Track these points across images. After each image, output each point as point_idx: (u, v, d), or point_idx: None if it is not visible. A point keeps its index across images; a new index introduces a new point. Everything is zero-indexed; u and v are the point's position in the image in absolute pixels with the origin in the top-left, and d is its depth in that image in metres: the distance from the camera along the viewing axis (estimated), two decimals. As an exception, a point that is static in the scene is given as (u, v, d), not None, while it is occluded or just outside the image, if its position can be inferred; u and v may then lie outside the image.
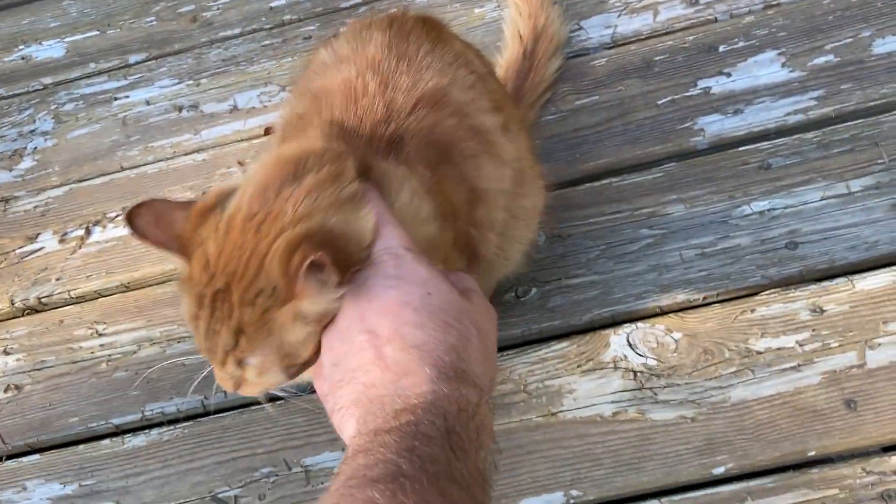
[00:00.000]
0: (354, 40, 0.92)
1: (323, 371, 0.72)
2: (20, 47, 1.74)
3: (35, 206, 1.53)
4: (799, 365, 1.14)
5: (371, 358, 0.67)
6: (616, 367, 1.19)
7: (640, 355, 1.19)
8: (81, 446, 1.29)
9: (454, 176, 0.87)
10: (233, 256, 0.69)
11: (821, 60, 1.36)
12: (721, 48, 1.40)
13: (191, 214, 0.72)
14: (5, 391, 1.35)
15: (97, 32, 1.72)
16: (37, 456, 1.29)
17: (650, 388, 1.16)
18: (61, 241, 1.48)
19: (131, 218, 0.72)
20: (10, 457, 1.30)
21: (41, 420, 1.32)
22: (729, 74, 1.38)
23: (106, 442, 1.28)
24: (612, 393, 1.17)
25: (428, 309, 0.67)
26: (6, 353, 1.38)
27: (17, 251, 1.48)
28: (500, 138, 0.95)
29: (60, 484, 1.26)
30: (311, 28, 1.61)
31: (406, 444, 0.60)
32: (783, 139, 1.31)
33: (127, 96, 1.61)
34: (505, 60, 1.39)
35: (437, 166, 0.85)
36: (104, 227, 1.47)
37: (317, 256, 0.64)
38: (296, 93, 0.99)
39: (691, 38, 1.43)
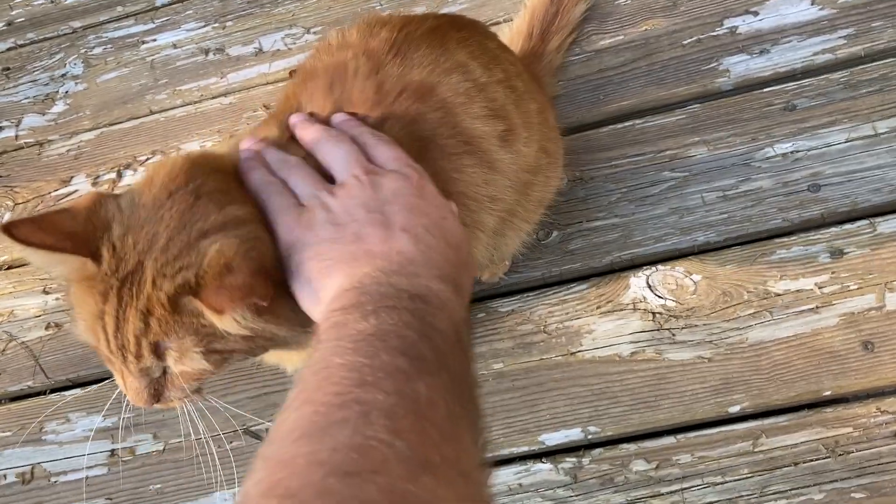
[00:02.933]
0: (364, 32, 0.93)
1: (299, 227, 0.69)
2: (48, -10, 1.75)
3: (68, 150, 1.56)
4: (817, 307, 1.15)
5: (380, 235, 0.65)
6: (635, 309, 1.21)
7: (659, 297, 1.20)
8: (120, 381, 1.35)
9: (428, 169, 0.87)
10: (148, 231, 0.67)
11: (852, -2, 1.33)
12: (749, -14, 1.38)
13: (78, 209, 0.68)
14: (46, 328, 1.41)
15: (123, -25, 1.73)
16: (78, 390, 1.36)
17: (668, 329, 1.18)
18: (94, 183, 1.52)
19: (9, 230, 0.64)
20: (53, 390, 1.37)
21: (81, 356, 1.38)
22: (756, 13, 1.36)
23: (143, 377, 1.34)
24: (630, 333, 1.19)
25: (440, 223, 0.69)
26: (46, 292, 1.44)
27: (53, 194, 1.53)
28: (493, 146, 0.94)
29: (101, 416, 1.32)
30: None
31: (424, 330, 0.58)
32: (809, 80, 1.29)
33: (154, 39, 1.63)
34: (530, 6, 1.38)
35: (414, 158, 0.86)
36: (135, 170, 1.51)
37: (262, 301, 0.63)
38: (300, 70, 0.98)
39: (719, -25, 1.40)
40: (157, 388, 0.73)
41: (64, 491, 1.28)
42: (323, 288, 0.65)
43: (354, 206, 0.68)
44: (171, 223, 0.67)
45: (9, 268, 1.49)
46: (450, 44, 0.93)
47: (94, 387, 1.35)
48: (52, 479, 1.29)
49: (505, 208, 0.99)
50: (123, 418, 1.31)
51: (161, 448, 1.28)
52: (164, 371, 0.72)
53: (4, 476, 1.31)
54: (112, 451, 1.30)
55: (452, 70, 0.90)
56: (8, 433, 1.34)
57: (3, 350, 1.40)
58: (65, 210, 0.68)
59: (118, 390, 0.78)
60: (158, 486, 1.26)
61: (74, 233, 0.66)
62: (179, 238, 0.66)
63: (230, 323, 0.65)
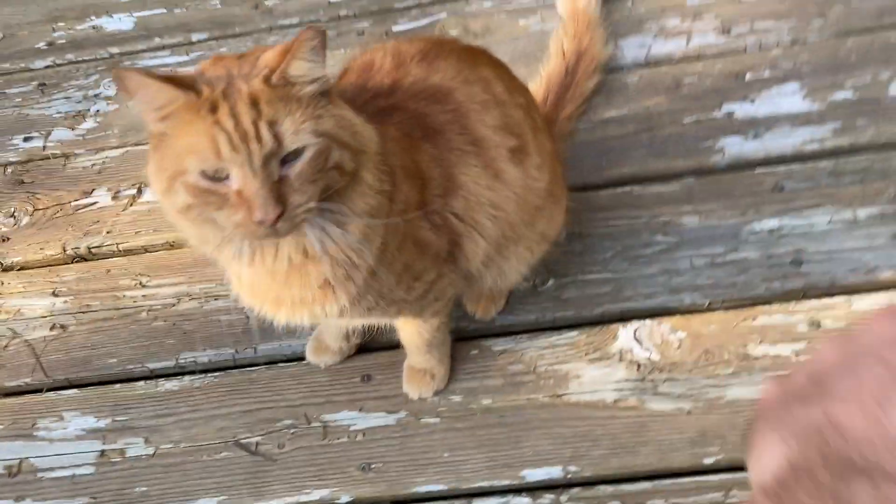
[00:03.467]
0: (402, 41, 1.05)
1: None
2: (92, 18, 1.86)
3: (93, 164, 1.63)
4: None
5: (876, 389, 0.44)
6: (621, 359, 1.27)
7: (645, 350, 1.27)
8: (118, 385, 1.38)
9: (432, 155, 0.98)
10: (225, 67, 0.80)
11: (840, 96, 1.45)
12: (747, 76, 1.50)
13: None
14: (51, 329, 1.45)
15: (164, 11, 1.84)
16: (75, 390, 1.39)
17: (651, 380, 1.25)
18: (114, 197, 1.58)
19: (125, 68, 0.79)
20: (50, 389, 1.40)
21: (82, 358, 1.41)
22: (752, 101, 1.47)
23: (141, 384, 1.38)
24: (615, 381, 1.26)
25: None
26: (55, 294, 1.49)
27: (73, 203, 1.59)
28: (501, 154, 1.03)
29: (95, 417, 1.35)
30: (365, 24, 1.72)
31: None
32: (798, 165, 1.40)
33: (188, 70, 1.72)
34: (546, 73, 1.49)
35: (417, 141, 0.97)
36: (156, 188, 1.58)
37: (311, 33, 0.77)
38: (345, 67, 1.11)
39: (720, 64, 1.52)
40: (279, 192, 0.78)
41: (49, 487, 1.30)
42: None
43: None
44: (237, 69, 0.80)
45: (21, 269, 1.54)
46: (479, 63, 1.04)
47: (92, 388, 1.38)
48: (39, 475, 1.32)
49: (508, 221, 1.06)
50: (116, 421, 1.34)
51: (151, 452, 1.31)
52: (284, 178, 0.79)
53: (-9, 467, 1.33)
54: (102, 451, 1.32)
55: (474, 82, 1.01)
56: (0, 426, 1.37)
57: (6, 346, 1.44)
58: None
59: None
60: (144, 488, 1.28)
61: (173, 78, 0.78)
62: (246, 64, 0.80)
63: (300, 65, 0.78)
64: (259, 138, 0.76)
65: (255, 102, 0.77)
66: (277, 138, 0.77)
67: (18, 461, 1.33)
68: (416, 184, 0.96)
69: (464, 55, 1.05)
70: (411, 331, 1.16)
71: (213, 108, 0.76)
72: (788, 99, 1.46)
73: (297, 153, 0.79)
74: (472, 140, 1.00)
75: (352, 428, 1.28)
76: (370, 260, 0.90)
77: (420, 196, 0.96)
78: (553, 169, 1.13)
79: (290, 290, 0.92)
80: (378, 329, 1.22)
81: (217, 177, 0.78)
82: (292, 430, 1.29)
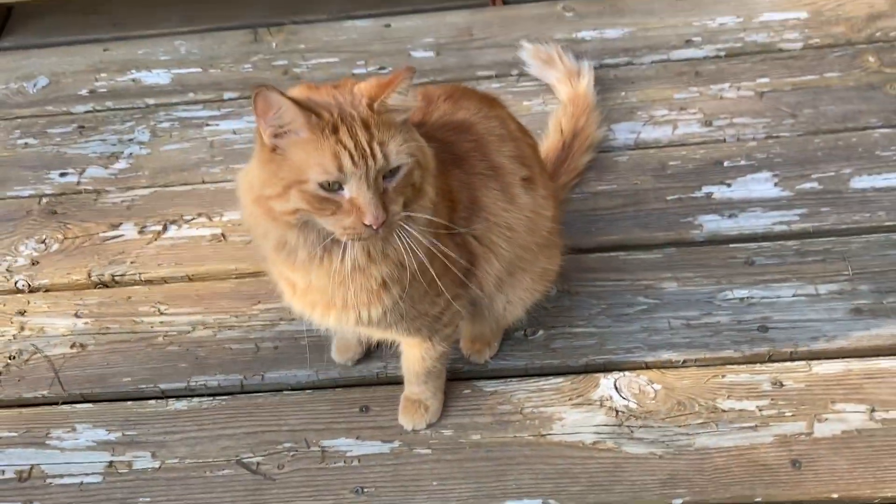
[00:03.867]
0: (430, 86, 1.23)
1: None
2: (132, 72, 2.03)
3: (122, 201, 1.77)
4: (756, 426, 1.34)
5: None
6: (602, 405, 1.38)
7: (624, 398, 1.39)
8: (130, 402, 1.47)
9: (460, 179, 1.14)
10: (330, 95, 0.97)
11: (807, 186, 1.62)
12: (726, 163, 1.67)
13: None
14: (71, 347, 1.55)
15: (200, 70, 2.01)
16: (89, 405, 1.48)
17: (628, 426, 1.36)
18: (140, 232, 1.71)
19: (271, 88, 0.92)
20: (65, 402, 1.49)
21: (98, 375, 1.51)
22: (729, 185, 1.64)
23: (152, 402, 1.47)
24: (595, 425, 1.36)
25: None
26: (77, 315, 1.59)
27: (101, 234, 1.71)
28: (515, 180, 1.20)
29: (106, 430, 1.44)
30: (384, 95, 1.89)
31: None
32: (768, 243, 1.55)
33: (217, 124, 1.88)
34: (545, 147, 1.65)
35: (448, 166, 1.12)
36: (179, 226, 1.71)
37: (408, 71, 0.94)
38: None
39: (702, 151, 1.70)
40: (384, 202, 0.95)
41: (57, 493, 1.37)
42: None
43: None
44: (340, 97, 0.97)
45: (47, 290, 1.64)
46: (496, 106, 1.23)
47: (105, 404, 1.47)
48: (48, 481, 1.39)
49: (520, 244, 1.20)
50: (125, 435, 1.42)
51: (157, 466, 1.39)
52: (385, 190, 0.96)
53: (3, 472, 1.40)
54: (110, 462, 1.40)
55: (492, 119, 1.19)
56: (14, 434, 1.45)
57: (27, 360, 1.53)
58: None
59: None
60: (148, 499, 1.35)
61: (300, 101, 0.94)
62: (346, 93, 0.98)
63: (397, 97, 0.95)
64: (374, 156, 0.93)
65: (367, 126, 0.93)
66: (386, 157, 0.94)
67: (30, 467, 1.40)
68: (448, 204, 1.10)
69: (483, 98, 1.24)
70: (416, 356, 1.27)
71: (335, 130, 0.92)
72: (761, 185, 1.63)
73: (395, 170, 0.96)
74: (491, 166, 1.16)
75: (348, 454, 1.37)
76: (415, 264, 1.03)
77: (449, 216, 1.10)
78: (556, 208, 1.29)
79: (346, 291, 1.04)
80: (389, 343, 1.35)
81: (331, 188, 0.94)
82: (292, 453, 1.38)
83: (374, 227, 0.95)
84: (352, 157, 0.93)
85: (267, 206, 0.99)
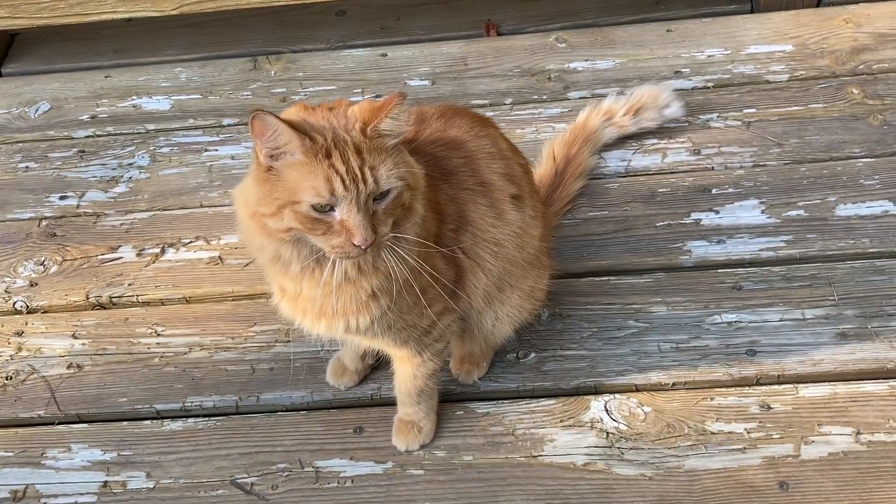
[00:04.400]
0: (425, 108, 1.27)
1: None
2: (133, 98, 2.06)
3: (121, 224, 1.79)
4: (745, 448, 1.36)
5: None
6: (592, 427, 1.40)
7: (614, 420, 1.41)
8: (125, 423, 1.49)
9: (448, 194, 1.17)
10: (324, 118, 1.00)
11: (793, 213, 1.66)
12: (714, 190, 1.71)
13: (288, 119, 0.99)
14: (68, 367, 1.56)
15: (199, 96, 2.05)
16: (85, 425, 1.49)
17: (618, 448, 1.37)
18: (138, 254, 1.73)
19: (266, 112, 0.95)
20: (62, 422, 1.50)
21: (94, 396, 1.52)
22: (717, 212, 1.67)
23: (147, 423, 1.48)
24: (585, 447, 1.38)
25: None
26: (75, 336, 1.61)
27: (99, 257, 1.74)
28: (504, 197, 1.23)
29: (101, 450, 1.45)
30: (380, 122, 1.93)
31: None
32: (755, 269, 1.58)
33: (216, 150, 1.92)
34: (538, 174, 1.68)
35: (437, 181, 1.16)
36: (177, 249, 1.73)
37: (399, 97, 0.97)
38: None
39: (690, 179, 1.73)
40: (373, 224, 1.00)
41: (51, 512, 1.39)
42: None
43: None
44: (334, 120, 1.00)
45: (45, 311, 1.66)
46: (488, 125, 1.27)
47: (101, 424, 1.48)
48: (43, 501, 1.40)
49: (507, 259, 1.23)
50: (121, 455, 1.44)
51: (151, 486, 1.40)
52: (375, 212, 1.00)
53: (-3, 491, 1.41)
54: (105, 482, 1.41)
55: (484, 138, 1.22)
56: (9, 454, 1.46)
57: (24, 380, 1.55)
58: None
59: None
60: (141, 519, 1.37)
61: (295, 125, 0.97)
62: (340, 116, 1.01)
63: (390, 122, 0.99)
64: (364, 181, 0.97)
65: (359, 151, 0.97)
66: (376, 181, 0.98)
67: (24, 487, 1.41)
68: (436, 217, 1.14)
69: (476, 118, 1.27)
70: (407, 373, 1.29)
71: (328, 154, 0.96)
72: (748, 212, 1.67)
73: (385, 193, 1.00)
74: (481, 182, 1.19)
75: (342, 474, 1.39)
76: (402, 277, 1.06)
77: (437, 228, 1.13)
78: (545, 229, 1.32)
79: (336, 301, 1.08)
80: (383, 357, 1.38)
81: (323, 209, 0.98)
82: (286, 473, 1.39)
83: (363, 248, 0.99)
84: (343, 181, 0.97)
85: (262, 223, 1.02)
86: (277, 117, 0.96)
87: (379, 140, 1.00)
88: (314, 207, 0.98)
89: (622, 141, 1.83)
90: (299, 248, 1.04)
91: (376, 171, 0.98)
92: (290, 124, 0.96)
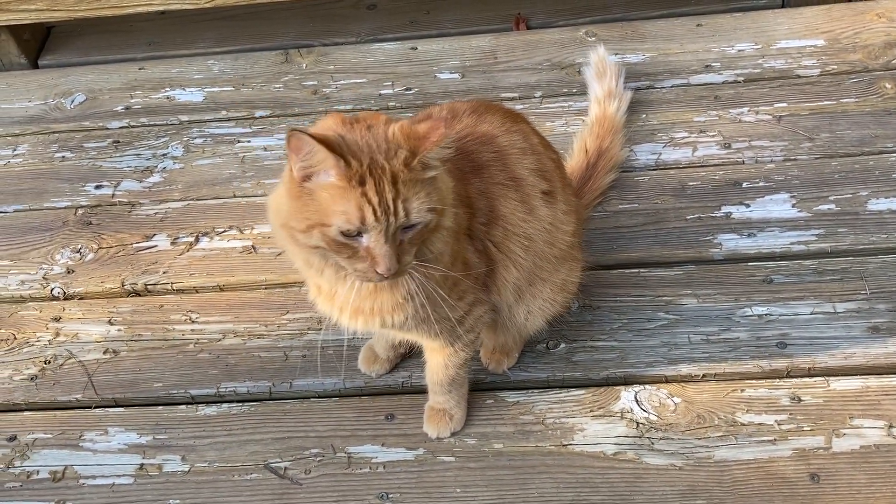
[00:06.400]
0: (457, 102, 1.28)
1: None
2: (167, 90, 2.09)
3: (156, 213, 1.82)
4: (775, 440, 1.36)
5: None
6: (622, 417, 1.41)
7: (644, 411, 1.41)
8: (160, 407, 1.51)
9: (479, 188, 1.18)
10: (362, 138, 0.98)
11: (824, 207, 1.65)
12: (744, 184, 1.71)
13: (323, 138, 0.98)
14: (104, 353, 1.59)
15: (232, 89, 2.07)
16: (121, 409, 1.52)
17: (648, 438, 1.38)
18: (173, 243, 1.76)
19: (303, 131, 0.95)
20: (98, 406, 1.53)
21: (130, 381, 1.55)
22: (748, 205, 1.67)
23: (182, 407, 1.51)
24: (615, 436, 1.39)
25: None
26: (111, 323, 1.64)
27: (134, 245, 1.76)
28: (534, 192, 1.23)
29: (137, 434, 1.48)
30: (411, 115, 1.94)
31: None
32: (786, 262, 1.58)
33: (249, 141, 1.94)
34: (570, 166, 1.69)
35: (467, 175, 1.16)
36: (211, 238, 1.76)
37: (445, 125, 0.98)
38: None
39: (721, 172, 1.74)
40: (398, 253, 1.00)
41: (89, 493, 1.41)
42: None
43: None
44: (372, 141, 0.98)
45: (81, 298, 1.69)
46: (520, 121, 1.27)
47: (136, 408, 1.51)
48: (81, 482, 1.43)
49: (538, 254, 1.24)
50: (156, 438, 1.46)
51: (186, 469, 1.42)
52: (401, 242, 1.00)
53: (37, 472, 1.44)
54: (141, 465, 1.44)
55: (515, 133, 1.23)
56: (49, 436, 1.49)
57: (62, 365, 1.58)
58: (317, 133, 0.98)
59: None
60: (177, 501, 1.39)
61: (330, 144, 0.96)
62: (382, 144, 0.99)
63: (436, 154, 0.99)
64: (396, 214, 0.97)
65: (395, 182, 0.96)
66: (407, 215, 0.98)
67: (63, 468, 1.44)
68: (467, 211, 1.15)
69: (508, 113, 1.28)
70: (439, 363, 1.30)
71: (362, 181, 0.96)
72: (779, 206, 1.66)
73: (413, 225, 1.00)
74: (511, 177, 1.20)
75: (373, 460, 1.40)
76: (423, 296, 1.08)
77: (468, 222, 1.14)
78: (578, 224, 1.32)
79: (373, 301, 1.10)
80: (415, 347, 1.39)
81: (351, 235, 0.98)
82: (319, 458, 1.41)
83: (385, 276, 1.00)
84: (375, 212, 0.96)
85: (292, 234, 1.03)
86: (315, 137, 0.95)
87: (419, 172, 0.99)
88: (343, 233, 0.98)
89: (652, 133, 1.83)
90: (328, 258, 1.05)
91: (409, 204, 0.97)
92: (327, 144, 0.95)
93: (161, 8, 2.09)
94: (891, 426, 1.36)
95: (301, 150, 0.96)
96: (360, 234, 0.98)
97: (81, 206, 1.85)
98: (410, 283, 1.06)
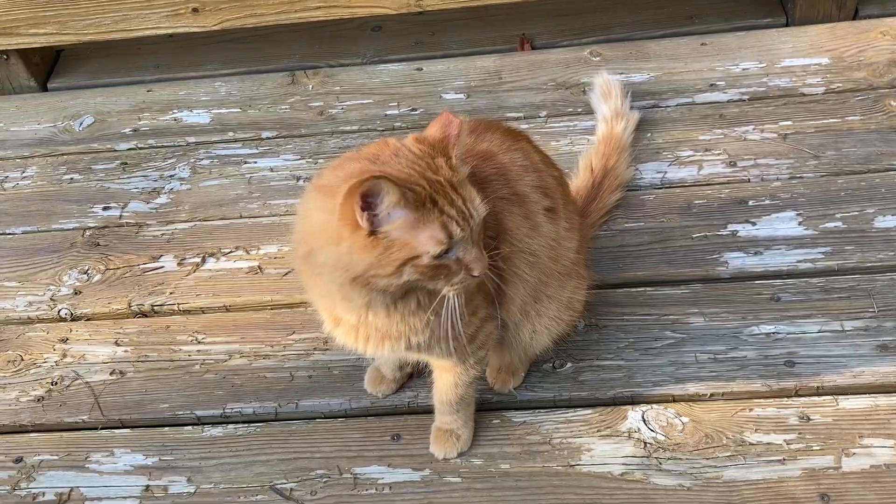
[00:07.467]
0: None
1: None
2: (174, 111, 2.11)
3: (162, 234, 1.83)
4: (784, 459, 1.35)
5: None
6: (630, 437, 1.40)
7: (652, 430, 1.41)
8: (167, 428, 1.51)
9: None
10: (405, 169, 1.00)
11: (831, 225, 1.65)
12: (750, 202, 1.71)
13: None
14: (111, 374, 1.60)
15: (239, 110, 2.09)
16: (127, 430, 1.52)
17: (656, 458, 1.37)
18: (179, 264, 1.77)
19: (383, 178, 0.93)
20: (105, 427, 1.53)
21: (136, 402, 1.55)
22: (754, 223, 1.67)
23: (188, 428, 1.51)
24: (623, 456, 1.38)
25: None
26: (117, 344, 1.64)
27: (141, 266, 1.77)
28: (537, 209, 1.24)
29: (143, 455, 1.48)
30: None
31: None
32: (792, 280, 1.57)
33: (255, 162, 1.95)
34: (575, 185, 1.69)
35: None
36: (217, 259, 1.76)
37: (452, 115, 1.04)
38: None
39: (727, 191, 1.74)
40: (483, 251, 1.03)
41: (95, 515, 1.41)
42: None
43: None
44: (405, 162, 1.00)
45: (88, 319, 1.70)
46: (520, 139, 1.28)
47: (143, 430, 1.51)
48: (86, 503, 1.42)
49: (543, 270, 1.24)
50: (162, 459, 1.46)
51: (192, 490, 1.42)
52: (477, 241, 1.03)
53: (43, 493, 1.44)
54: (147, 486, 1.44)
55: (515, 151, 1.23)
56: (55, 457, 1.49)
57: (69, 386, 1.58)
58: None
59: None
60: (183, 523, 1.39)
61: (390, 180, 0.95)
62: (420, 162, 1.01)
63: (461, 145, 1.03)
64: (472, 215, 1.00)
65: (455, 188, 0.99)
66: (478, 212, 1.01)
67: (69, 489, 1.44)
68: None
69: (508, 132, 1.28)
70: (449, 382, 1.30)
71: (434, 202, 0.97)
72: (786, 224, 1.66)
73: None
74: (514, 193, 1.21)
75: (380, 481, 1.40)
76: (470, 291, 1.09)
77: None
78: (581, 240, 1.32)
79: (403, 325, 1.10)
80: (421, 367, 1.40)
81: (441, 255, 0.99)
82: (325, 480, 1.41)
83: (480, 276, 1.02)
84: (458, 223, 0.98)
85: (367, 282, 1.01)
86: (389, 178, 0.93)
87: (462, 170, 1.02)
88: (435, 257, 0.99)
89: (657, 152, 1.84)
90: (393, 293, 1.05)
91: (474, 201, 1.01)
92: (390, 181, 0.93)
93: (169, 31, 2.11)
94: (901, 445, 1.35)
95: (371, 194, 0.93)
96: (448, 250, 0.99)
97: (89, 228, 1.86)
98: (446, 299, 1.06)
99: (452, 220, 0.97)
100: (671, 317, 1.55)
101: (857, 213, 1.66)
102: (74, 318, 1.70)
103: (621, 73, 2.01)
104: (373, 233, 0.97)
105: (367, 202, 0.94)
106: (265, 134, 2.02)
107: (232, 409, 1.52)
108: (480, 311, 1.19)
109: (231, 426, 1.50)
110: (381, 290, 1.03)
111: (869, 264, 1.58)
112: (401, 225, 0.97)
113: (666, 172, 1.79)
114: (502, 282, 1.23)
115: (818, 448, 1.36)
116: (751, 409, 1.41)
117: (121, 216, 1.88)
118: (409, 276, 0.99)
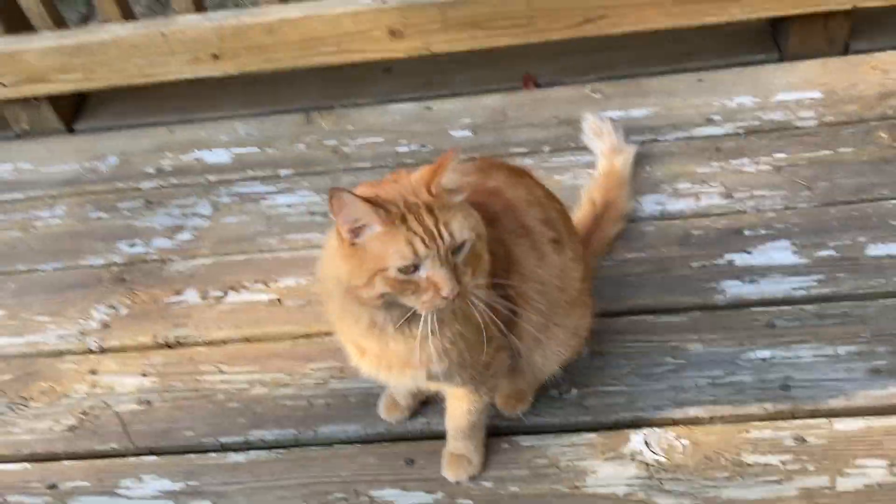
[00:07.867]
0: (463, 162, 1.36)
1: None
2: (195, 151, 2.21)
3: (186, 269, 1.92)
4: (780, 480, 1.41)
5: None
6: (633, 459, 1.47)
7: (654, 452, 1.47)
8: (192, 455, 1.59)
9: (494, 236, 1.25)
10: (393, 192, 1.08)
11: (824, 253, 1.72)
12: (746, 232, 1.78)
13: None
14: (138, 403, 1.68)
15: (257, 149, 2.19)
16: (155, 457, 1.60)
17: (658, 479, 1.44)
18: (202, 297, 1.85)
19: (344, 190, 1.02)
20: (133, 454, 1.61)
21: (163, 430, 1.63)
22: (750, 252, 1.74)
23: (213, 455, 1.59)
24: (626, 478, 1.45)
25: None
26: (144, 374, 1.73)
27: (165, 300, 1.86)
28: (544, 240, 1.32)
29: (171, 481, 1.55)
30: (425, 171, 2.04)
31: None
32: (787, 307, 1.64)
33: (274, 199, 2.05)
34: (577, 217, 1.77)
35: (484, 224, 1.23)
36: (239, 292, 1.85)
37: (454, 152, 1.09)
38: None
39: (724, 221, 1.81)
40: (457, 275, 1.08)
41: (125, 538, 1.49)
42: None
43: None
44: (400, 188, 1.08)
45: (116, 351, 1.79)
46: (523, 176, 1.36)
47: (169, 456, 1.59)
48: (117, 527, 1.50)
49: (551, 299, 1.31)
50: (188, 485, 1.54)
51: (218, 514, 1.50)
52: (456, 265, 1.08)
53: (76, 518, 1.52)
54: (174, 510, 1.51)
55: (520, 186, 1.32)
56: (87, 483, 1.57)
57: (99, 416, 1.67)
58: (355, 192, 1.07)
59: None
60: (209, 545, 1.46)
61: (369, 199, 1.05)
62: (409, 187, 1.09)
63: (450, 177, 1.09)
64: (441, 236, 1.06)
65: (430, 210, 1.06)
66: (451, 235, 1.07)
67: (100, 514, 1.52)
68: (490, 257, 1.22)
69: (512, 169, 1.37)
70: (462, 409, 1.37)
71: (403, 219, 1.05)
72: (780, 253, 1.73)
73: (461, 245, 1.08)
74: (522, 226, 1.29)
75: (395, 504, 1.47)
76: (482, 320, 1.16)
77: (492, 267, 1.22)
78: (586, 271, 1.40)
79: (421, 351, 1.16)
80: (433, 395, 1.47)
81: (409, 270, 1.06)
82: (343, 503, 1.48)
83: (451, 298, 1.07)
84: (423, 240, 1.05)
85: (356, 294, 1.10)
86: (350, 193, 1.03)
87: (444, 198, 1.08)
88: (401, 270, 1.06)
89: (656, 185, 1.92)
90: (391, 311, 1.12)
91: (449, 225, 1.06)
92: (364, 199, 1.04)
93: (191, 76, 2.21)
94: (892, 465, 1.41)
95: (342, 208, 1.04)
96: (416, 268, 1.06)
97: (115, 264, 1.96)
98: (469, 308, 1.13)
99: (417, 237, 1.05)
100: (671, 343, 1.62)
101: (849, 241, 1.73)
102: (103, 351, 1.79)
103: (622, 109, 2.10)
104: (353, 244, 1.08)
105: (342, 212, 1.04)
106: (282, 172, 2.12)
107: (254, 435, 1.60)
108: (495, 341, 1.26)
109: (253, 452, 1.58)
110: (370, 306, 1.11)
111: (861, 292, 1.65)
112: (373, 238, 1.06)
113: (665, 204, 1.87)
114: (513, 312, 1.31)
115: (813, 469, 1.42)
116: (748, 432, 1.48)
117: (146, 252, 1.98)
118: (381, 288, 1.07)
